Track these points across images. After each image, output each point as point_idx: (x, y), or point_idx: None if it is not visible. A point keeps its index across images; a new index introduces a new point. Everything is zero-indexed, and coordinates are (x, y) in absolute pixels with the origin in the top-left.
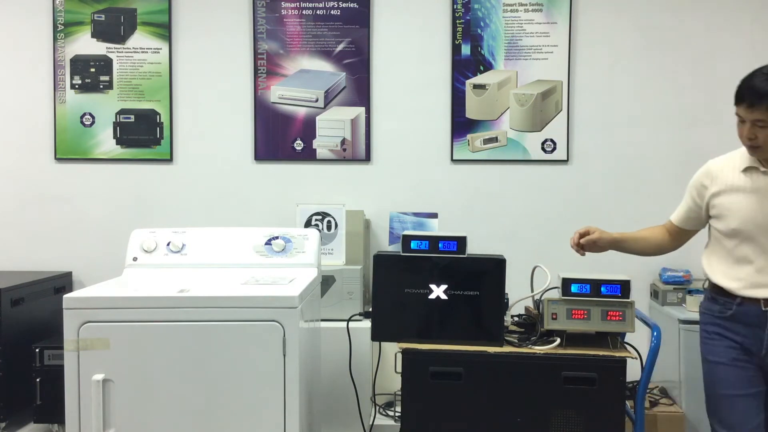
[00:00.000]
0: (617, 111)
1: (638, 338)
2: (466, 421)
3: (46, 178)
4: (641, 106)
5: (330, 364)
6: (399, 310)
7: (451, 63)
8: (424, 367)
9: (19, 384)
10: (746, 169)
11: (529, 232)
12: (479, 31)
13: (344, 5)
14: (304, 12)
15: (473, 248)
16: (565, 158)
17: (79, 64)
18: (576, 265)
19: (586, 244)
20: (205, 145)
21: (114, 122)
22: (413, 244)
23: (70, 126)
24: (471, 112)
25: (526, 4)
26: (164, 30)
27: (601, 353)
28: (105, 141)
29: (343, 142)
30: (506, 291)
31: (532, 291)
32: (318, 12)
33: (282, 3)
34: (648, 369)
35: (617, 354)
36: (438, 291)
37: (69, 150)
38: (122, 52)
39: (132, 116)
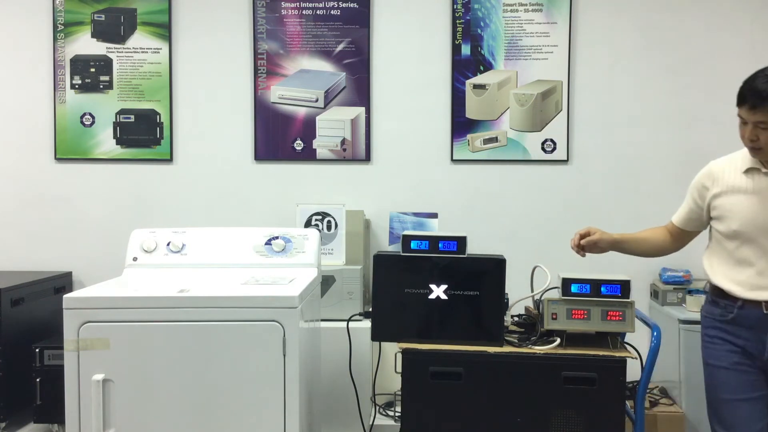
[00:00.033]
0: (617, 111)
1: (638, 338)
2: (466, 421)
3: (46, 178)
4: (641, 106)
5: (330, 364)
6: (399, 310)
7: (451, 63)
8: (424, 367)
9: (19, 384)
10: (748, 171)
11: (529, 232)
12: (479, 31)
13: (344, 5)
14: (304, 12)
15: (473, 248)
16: (565, 158)
17: (79, 64)
18: (576, 265)
19: (586, 246)
20: (205, 145)
21: (114, 122)
22: (413, 244)
23: (70, 126)
24: (471, 112)
25: (526, 4)
26: (164, 30)
27: (601, 353)
28: (105, 141)
29: (343, 142)
30: (506, 291)
31: (532, 291)
32: (318, 12)
33: (282, 3)
34: (648, 369)
35: (617, 354)
36: (438, 291)
37: (69, 150)
38: (122, 52)
39: (132, 116)
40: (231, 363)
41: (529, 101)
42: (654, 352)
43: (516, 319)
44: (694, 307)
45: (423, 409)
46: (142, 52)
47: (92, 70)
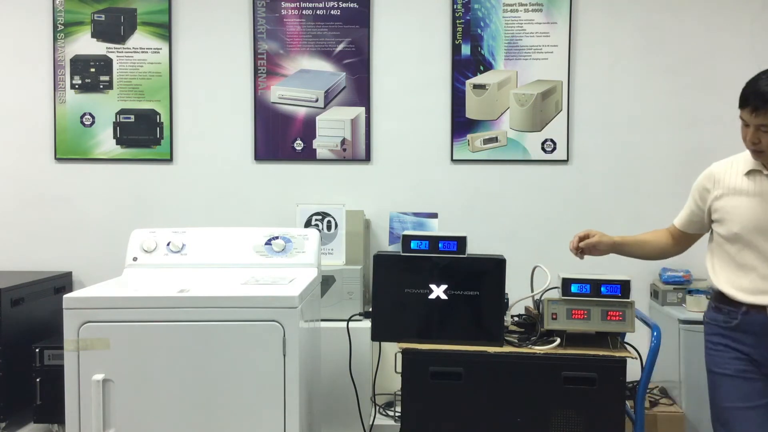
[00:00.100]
0: (617, 111)
1: (638, 338)
2: (466, 421)
3: (46, 178)
4: (641, 106)
5: (330, 364)
6: (399, 310)
7: (451, 63)
8: (424, 367)
9: (19, 384)
10: (749, 173)
11: (529, 232)
12: (479, 31)
13: (344, 5)
14: (304, 12)
15: (473, 248)
16: (565, 158)
17: (79, 64)
18: (576, 265)
19: (585, 248)
20: (205, 145)
21: (114, 122)
22: (413, 244)
23: (70, 126)
24: (471, 112)
25: (526, 4)
26: (164, 30)
27: (601, 353)
28: (105, 141)
29: (343, 142)
30: (506, 291)
31: (532, 291)
32: (318, 12)
33: (282, 3)
34: (648, 369)
35: (617, 354)
36: (438, 291)
37: (69, 150)
38: (122, 52)
39: (132, 116)
40: (231, 363)
41: (529, 101)
42: (654, 352)
43: (516, 319)
44: (694, 307)
45: (423, 409)
46: (142, 52)
47: (92, 70)
